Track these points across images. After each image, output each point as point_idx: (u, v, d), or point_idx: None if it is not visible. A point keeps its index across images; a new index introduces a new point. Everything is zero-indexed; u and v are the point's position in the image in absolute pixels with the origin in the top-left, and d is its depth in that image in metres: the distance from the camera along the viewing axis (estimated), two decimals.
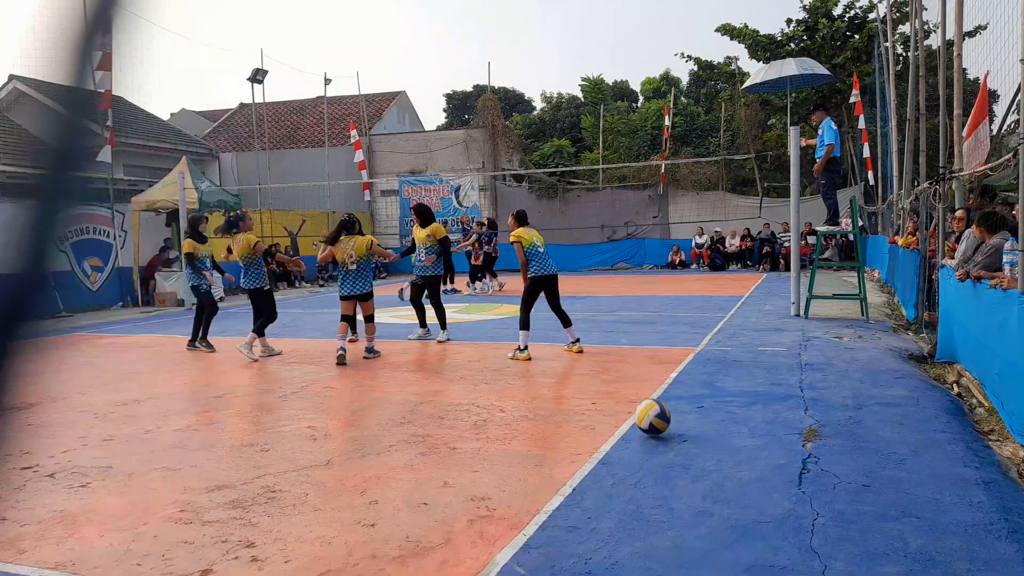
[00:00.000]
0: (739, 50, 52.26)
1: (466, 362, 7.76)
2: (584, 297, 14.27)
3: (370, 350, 8.11)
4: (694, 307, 12.16)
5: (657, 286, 16.58)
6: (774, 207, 21.16)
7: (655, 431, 4.68)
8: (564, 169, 25.59)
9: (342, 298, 7.99)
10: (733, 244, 21.88)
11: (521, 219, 8.20)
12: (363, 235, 8.14)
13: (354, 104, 27.11)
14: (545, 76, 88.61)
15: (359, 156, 24.34)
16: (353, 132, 24.22)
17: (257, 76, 21.58)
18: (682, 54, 32.50)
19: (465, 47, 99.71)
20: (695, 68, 28.00)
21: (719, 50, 65.65)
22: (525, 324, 7.82)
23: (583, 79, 35.61)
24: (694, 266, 21.98)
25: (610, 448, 4.52)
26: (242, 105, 29.48)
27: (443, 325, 9.20)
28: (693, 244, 22.20)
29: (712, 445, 4.54)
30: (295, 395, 6.40)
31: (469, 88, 42.86)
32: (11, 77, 22.40)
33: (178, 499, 3.89)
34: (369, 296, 8.04)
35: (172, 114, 30.60)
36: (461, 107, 43.04)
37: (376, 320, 8.31)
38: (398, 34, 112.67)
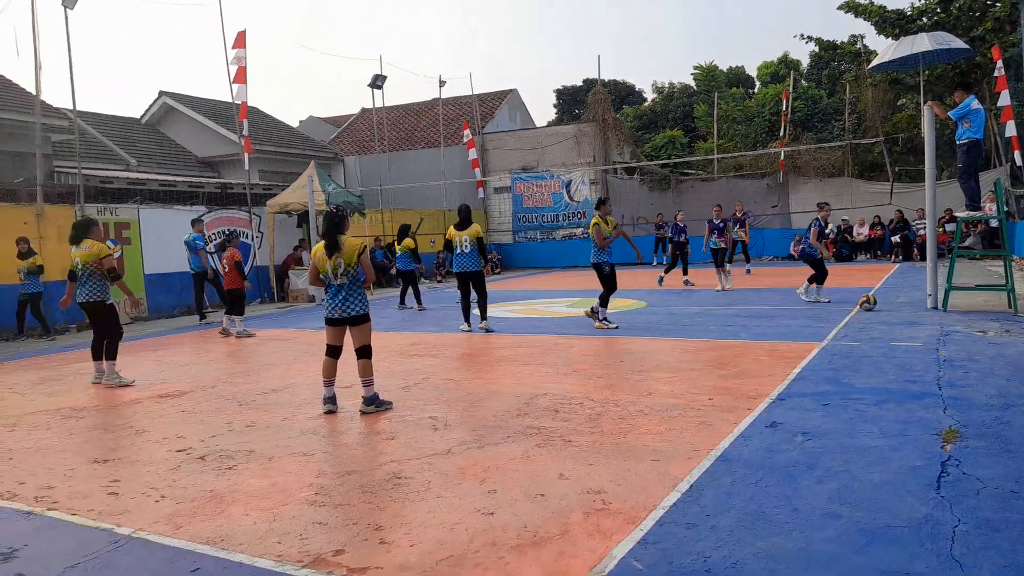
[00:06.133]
0: (864, 28, 49.08)
1: (579, 355, 7.79)
2: (700, 291, 13.93)
3: (369, 401, 5.75)
4: None
5: (777, 278, 15.91)
6: (907, 192, 19.78)
7: None
8: (677, 160, 25.03)
9: (327, 322, 5.87)
10: (861, 233, 20.65)
11: None
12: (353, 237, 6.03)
13: (467, 104, 27.70)
14: (656, 66, 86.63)
15: (472, 154, 24.88)
16: (466, 132, 24.79)
17: (377, 82, 22.48)
18: (801, 35, 30.97)
19: (574, 42, 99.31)
20: (816, 49, 26.53)
21: (842, 29, 61.83)
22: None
23: (695, 67, 34.69)
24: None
25: (729, 445, 4.42)
26: (363, 110, 30.83)
27: (483, 315, 10.01)
28: None
29: (839, 444, 4.34)
30: (416, 386, 6.66)
31: (579, 83, 42.70)
32: (161, 93, 24.51)
33: (313, 482, 4.16)
34: (362, 319, 5.83)
35: (300, 121, 32.41)
36: (571, 102, 42.94)
37: (488, 316, 8.35)
38: (509, 33, 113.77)
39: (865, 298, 10.24)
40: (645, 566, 2.92)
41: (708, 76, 33.80)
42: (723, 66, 36.65)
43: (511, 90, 29.99)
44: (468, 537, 3.29)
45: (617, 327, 9.51)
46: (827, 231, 11.08)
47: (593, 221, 9.62)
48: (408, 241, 13.88)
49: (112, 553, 3.35)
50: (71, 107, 14.53)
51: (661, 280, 15.43)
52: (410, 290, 13.72)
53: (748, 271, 17.63)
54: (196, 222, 13.16)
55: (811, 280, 11.20)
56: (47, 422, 6.10)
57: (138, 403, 6.62)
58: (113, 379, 7.52)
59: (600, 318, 9.65)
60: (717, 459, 4.17)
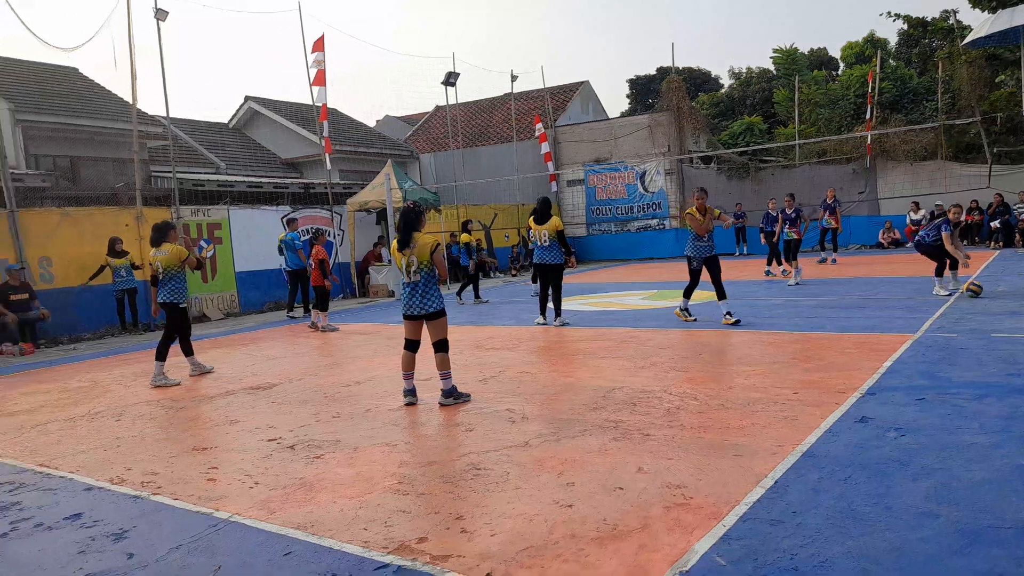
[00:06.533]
0: (957, 2, 46.27)
1: (657, 349, 7.70)
2: (780, 282, 13.51)
3: (447, 393, 5.87)
4: (912, 289, 11.04)
5: (865, 267, 15.24)
6: (1007, 175, 18.59)
7: None
8: (756, 147, 24.29)
9: (404, 317, 6.01)
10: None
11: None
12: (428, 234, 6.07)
13: (539, 98, 27.69)
14: (733, 52, 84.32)
15: (545, 148, 24.86)
16: (538, 125, 24.78)
17: (450, 79, 22.74)
18: (888, 13, 29.50)
19: (648, 31, 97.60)
20: (904, 27, 25.23)
21: (933, 5, 58.37)
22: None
23: (775, 51, 33.51)
24: (909, 244, 19.91)
25: (815, 441, 4.28)
26: (437, 108, 31.26)
27: (557, 311, 9.97)
28: (908, 220, 20.12)
29: (935, 441, 4.14)
30: (493, 379, 6.73)
31: (652, 71, 42.01)
32: (246, 98, 25.56)
33: (396, 472, 4.28)
34: (438, 315, 5.90)
35: (377, 121, 33.16)
36: (645, 91, 42.32)
37: (562, 311, 8.32)
38: (581, 24, 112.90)
39: (971, 284, 9.72)
40: (728, 562, 2.88)
41: (788, 59, 32.61)
42: (804, 48, 35.32)
43: (583, 82, 29.79)
44: (547, 528, 3.32)
45: (695, 319, 9.34)
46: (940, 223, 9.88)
47: (686, 212, 9.43)
48: (464, 236, 14.23)
49: (212, 536, 3.55)
50: (165, 114, 15.34)
51: (768, 273, 14.94)
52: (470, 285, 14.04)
53: (833, 260, 16.94)
54: (292, 221, 13.62)
55: (938, 272, 10.17)
56: (149, 412, 6.49)
57: (232, 395, 6.95)
58: (161, 380, 7.70)
59: (680, 307, 9.54)
60: (803, 455, 4.05)
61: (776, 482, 3.67)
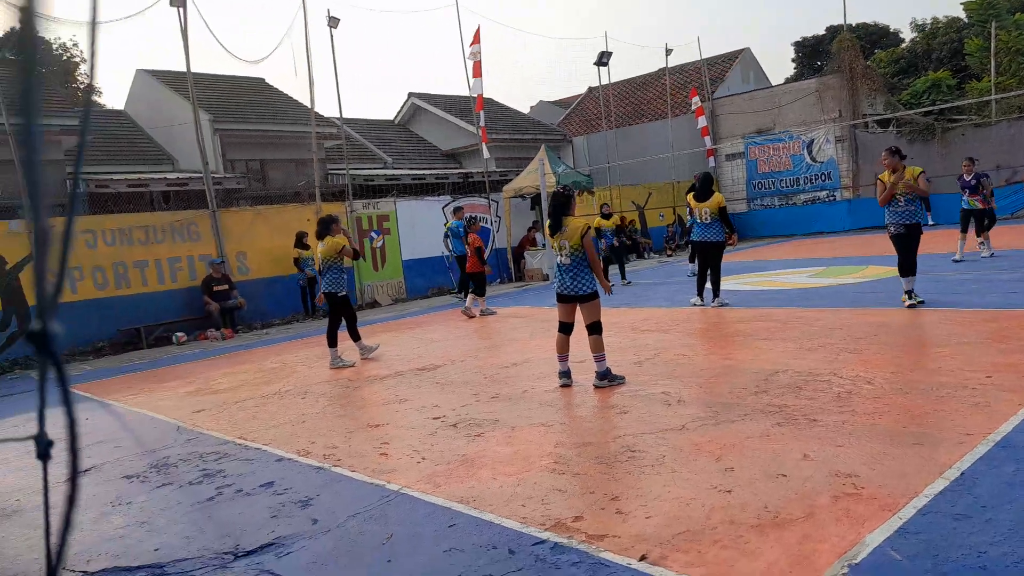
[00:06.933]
0: None
1: (826, 329, 7.22)
2: (974, 254, 12.13)
3: (602, 376, 5.89)
4: None
5: None
6: None
7: None
8: (944, 105, 21.86)
9: (558, 299, 6.09)
10: None
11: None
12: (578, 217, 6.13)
13: (695, 71, 26.69)
14: (915, 2, 76.04)
15: (702, 122, 23.95)
16: (695, 99, 23.89)
17: (603, 59, 22.52)
18: None
19: None
20: None
21: None
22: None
23: None
24: None
25: (1011, 430, 3.85)
26: (590, 89, 31.08)
27: (716, 292, 9.62)
28: None
29: None
30: (648, 361, 6.66)
31: (821, 31, 39.01)
32: (409, 95, 26.87)
33: (552, 451, 4.38)
34: (591, 297, 5.90)
35: (531, 107, 33.60)
36: (813, 54, 39.42)
37: (720, 291, 7.95)
38: None
39: None
40: (904, 557, 2.68)
41: (984, 4, 28.95)
42: None
43: (743, 49, 28.30)
44: (705, 513, 3.26)
45: (923, 301, 7.96)
46: None
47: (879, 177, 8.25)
48: (598, 220, 14.21)
49: (384, 506, 3.84)
50: (338, 116, 16.50)
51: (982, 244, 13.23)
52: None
53: None
54: (458, 210, 14.17)
55: None
56: (330, 391, 7.09)
57: (401, 375, 7.42)
58: (337, 362, 8.26)
59: (904, 289, 8.05)
60: (996, 444, 3.67)
61: (962, 474, 3.36)
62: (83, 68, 25.99)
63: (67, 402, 0.73)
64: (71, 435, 0.74)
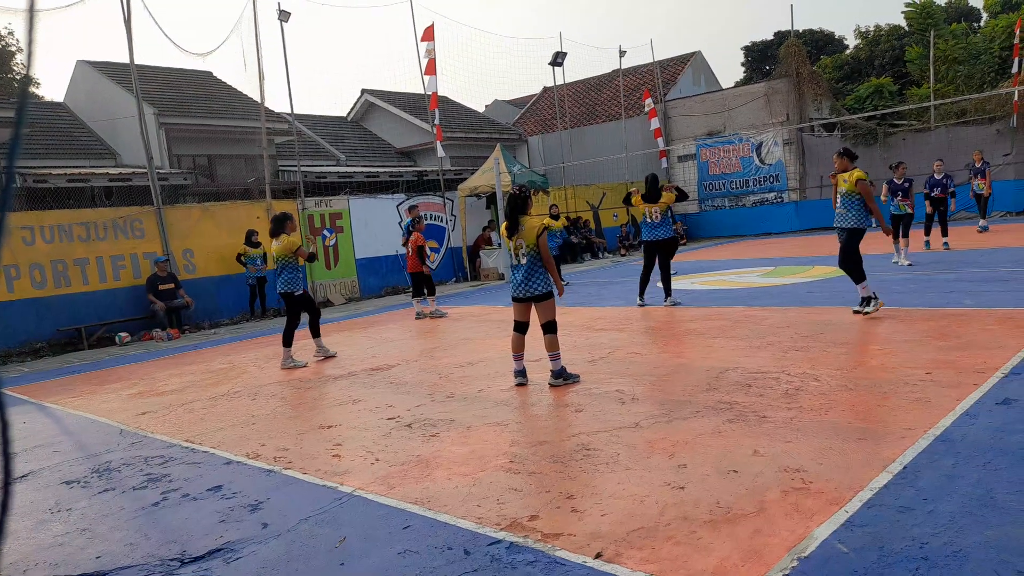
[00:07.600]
0: None
1: (774, 328, 7.39)
2: (915, 253, 12.55)
3: (557, 374, 5.91)
4: None
5: (1012, 236, 13.92)
6: None
7: None
8: (885, 111, 22.61)
9: (513, 299, 6.14)
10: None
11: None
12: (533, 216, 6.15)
13: (648, 73, 27.03)
14: (859, 9, 78.44)
15: (654, 124, 24.26)
16: (648, 101, 24.19)
17: (557, 59, 22.63)
18: None
19: None
20: None
21: None
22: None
23: (907, 5, 30.92)
24: None
25: (951, 424, 4.00)
26: (545, 89, 31.20)
27: (667, 291, 9.77)
28: None
29: None
30: (602, 360, 6.72)
31: (769, 36, 39.95)
32: (363, 91, 26.55)
33: (507, 451, 4.37)
34: (546, 297, 5.93)
35: (487, 106, 33.51)
36: (761, 58, 40.31)
37: (672, 291, 8.02)
38: None
39: None
40: (851, 549, 2.76)
41: (923, 13, 30.03)
42: (940, 0, 32.40)
43: (694, 52, 28.78)
44: (659, 510, 3.29)
45: (880, 306, 7.54)
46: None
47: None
48: (547, 220, 14.08)
49: (337, 509, 3.77)
50: (289, 111, 16.19)
51: (927, 244, 13.39)
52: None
53: (984, 228, 15.53)
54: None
55: None
56: (281, 392, 6.95)
57: (354, 375, 7.32)
58: (289, 363, 8.12)
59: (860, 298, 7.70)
60: (936, 439, 3.80)
61: (905, 467, 3.47)
62: (19, 58, 24.95)
63: (0, 405, 0.69)
64: (3, 439, 0.70)
